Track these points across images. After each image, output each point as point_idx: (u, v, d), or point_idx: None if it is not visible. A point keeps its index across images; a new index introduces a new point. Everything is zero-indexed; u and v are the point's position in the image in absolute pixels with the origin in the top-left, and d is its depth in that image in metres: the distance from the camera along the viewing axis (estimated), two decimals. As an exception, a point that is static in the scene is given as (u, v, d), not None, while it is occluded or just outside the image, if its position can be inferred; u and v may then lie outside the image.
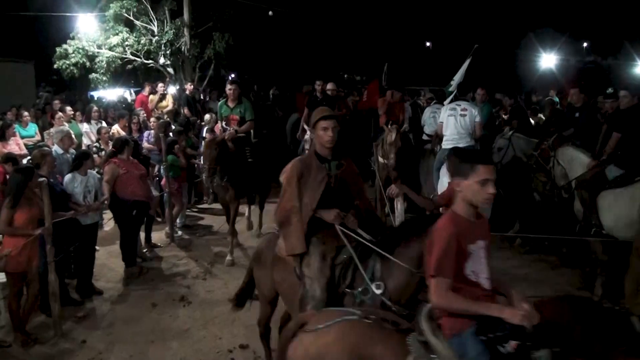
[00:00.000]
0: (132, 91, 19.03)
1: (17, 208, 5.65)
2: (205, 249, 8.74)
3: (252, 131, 9.00)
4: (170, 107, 13.15)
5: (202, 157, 8.10)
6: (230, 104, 8.60)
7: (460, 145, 7.55)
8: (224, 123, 8.66)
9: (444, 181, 7.10)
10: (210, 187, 8.51)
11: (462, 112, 7.94)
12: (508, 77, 23.36)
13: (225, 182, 7.94)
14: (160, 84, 13.70)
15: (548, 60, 28.59)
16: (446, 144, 7.97)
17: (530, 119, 11.98)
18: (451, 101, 8.86)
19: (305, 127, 9.93)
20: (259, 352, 5.62)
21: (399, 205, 5.39)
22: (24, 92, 18.08)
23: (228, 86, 8.72)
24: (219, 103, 9.16)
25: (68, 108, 11.59)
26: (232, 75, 15.02)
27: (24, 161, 8.59)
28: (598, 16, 28.18)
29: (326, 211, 4.09)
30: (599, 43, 32.24)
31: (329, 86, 11.11)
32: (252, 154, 8.53)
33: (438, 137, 8.52)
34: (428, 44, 34.29)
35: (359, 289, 3.84)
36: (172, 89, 15.00)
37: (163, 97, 13.27)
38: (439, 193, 7.75)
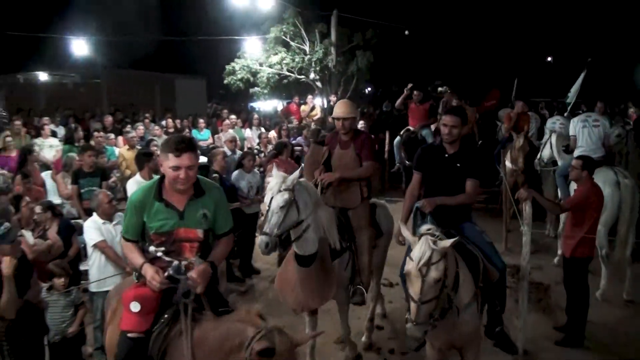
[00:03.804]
0: (283, 103, 21.05)
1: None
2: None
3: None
4: (319, 115, 15.02)
5: None
6: (177, 202, 3.57)
7: (595, 156, 7.25)
8: (157, 251, 3.58)
9: (571, 188, 7.35)
10: None
11: (595, 124, 8.03)
12: (632, 88, 22.12)
13: None
14: (310, 96, 15.65)
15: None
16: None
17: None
18: (571, 111, 9.34)
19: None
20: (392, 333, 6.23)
21: (527, 209, 6.10)
22: (198, 104, 20.86)
23: (172, 159, 3.40)
24: (135, 197, 3.65)
25: (232, 116, 13.73)
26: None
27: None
28: None
29: None
30: None
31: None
32: None
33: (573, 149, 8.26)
34: (549, 58, 34.91)
35: None
36: (319, 100, 16.75)
37: (313, 107, 15.22)
38: (561, 197, 8.31)
